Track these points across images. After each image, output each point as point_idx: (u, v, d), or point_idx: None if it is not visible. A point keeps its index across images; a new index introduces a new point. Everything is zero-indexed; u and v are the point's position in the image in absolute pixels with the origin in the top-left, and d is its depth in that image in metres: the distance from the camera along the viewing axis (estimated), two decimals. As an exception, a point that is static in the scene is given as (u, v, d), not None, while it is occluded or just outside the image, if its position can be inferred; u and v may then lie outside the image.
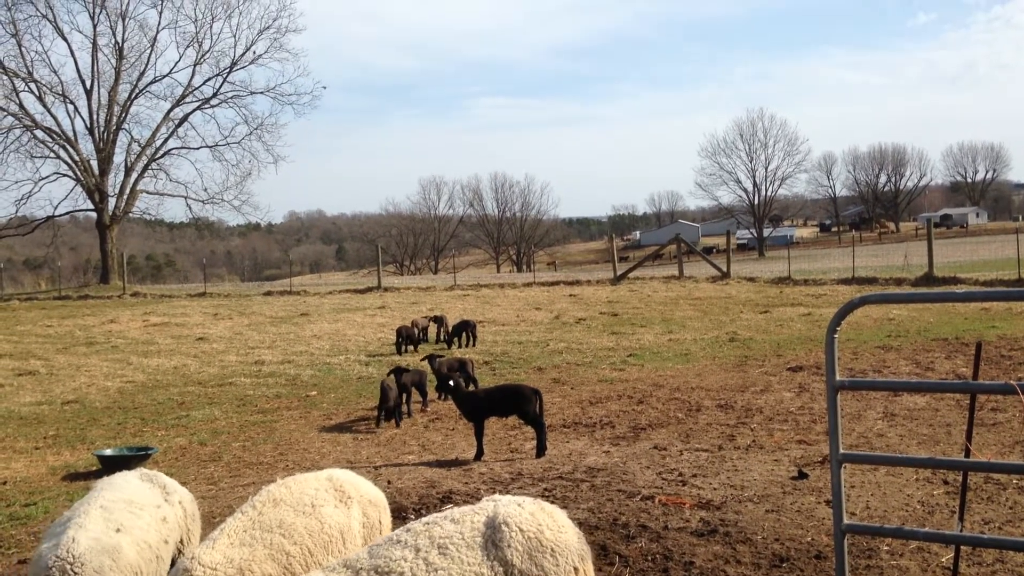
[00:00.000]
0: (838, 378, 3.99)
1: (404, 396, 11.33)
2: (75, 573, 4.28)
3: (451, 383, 9.39)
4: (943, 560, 5.64)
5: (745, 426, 9.88)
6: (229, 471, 9.16)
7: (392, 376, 11.30)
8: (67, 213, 48.30)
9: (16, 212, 46.04)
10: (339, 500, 4.86)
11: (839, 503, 3.98)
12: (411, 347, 17.87)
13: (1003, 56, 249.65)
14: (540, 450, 8.93)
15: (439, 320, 19.45)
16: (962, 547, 5.27)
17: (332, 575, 3.91)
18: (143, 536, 4.77)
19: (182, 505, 5.29)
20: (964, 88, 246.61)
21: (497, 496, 4.46)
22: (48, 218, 46.56)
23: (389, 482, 8.19)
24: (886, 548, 5.90)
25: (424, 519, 4.35)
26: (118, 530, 4.67)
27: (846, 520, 4.02)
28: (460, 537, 4.06)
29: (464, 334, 18.25)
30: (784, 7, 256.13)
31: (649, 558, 5.95)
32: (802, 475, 7.72)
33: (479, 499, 7.03)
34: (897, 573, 5.54)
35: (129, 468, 9.04)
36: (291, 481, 4.94)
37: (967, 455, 4.56)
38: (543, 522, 4.15)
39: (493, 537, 4.02)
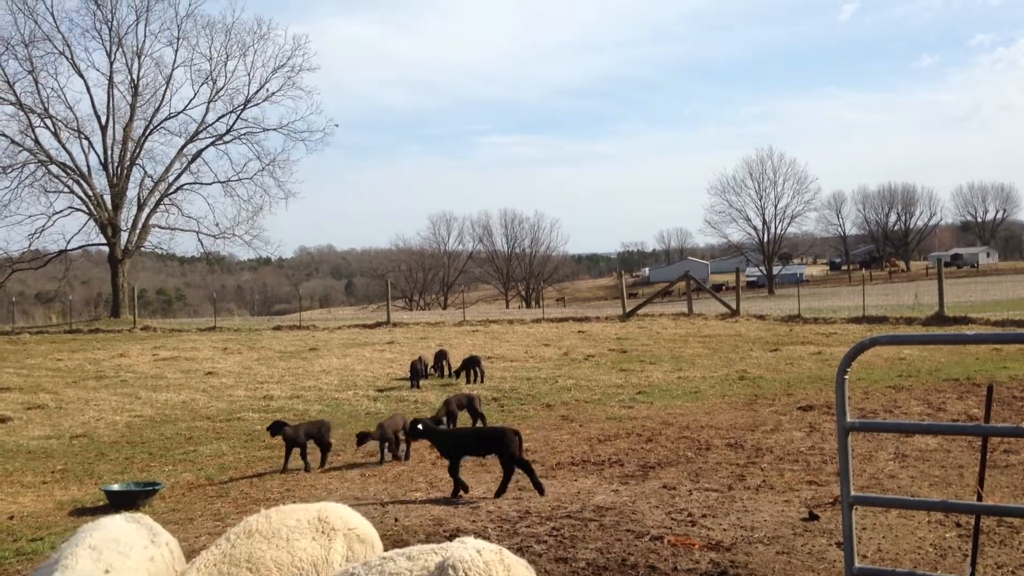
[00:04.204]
0: (849, 419, 3.97)
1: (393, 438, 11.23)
2: None
3: (420, 427, 9.40)
4: (956, 605, 5.56)
5: (755, 466, 9.81)
6: (236, 507, 9.12)
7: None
8: (80, 247, 48.65)
9: (29, 246, 46.34)
10: (320, 532, 4.78)
11: (850, 546, 3.95)
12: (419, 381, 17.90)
13: (1008, 97, 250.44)
14: (536, 488, 8.83)
15: (441, 355, 19.43)
16: (976, 592, 5.20)
17: None
18: None
19: (168, 547, 5.24)
20: (972, 129, 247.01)
21: (469, 539, 4.44)
22: (61, 252, 46.88)
23: (396, 519, 8.15)
24: (898, 592, 5.83)
25: (385, 553, 4.35)
26: (107, 572, 4.58)
27: (857, 563, 3.99)
28: (408, 575, 4.05)
29: (472, 370, 18.22)
30: (787, 49, 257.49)
31: (658, 600, 5.88)
32: (813, 516, 7.65)
33: (486, 537, 7.00)
34: (910, 618, 5.47)
35: (136, 503, 9.07)
36: (273, 512, 4.88)
37: (979, 498, 4.52)
38: (495, 574, 4.10)
39: None
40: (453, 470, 9.04)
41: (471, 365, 18.28)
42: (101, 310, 50.56)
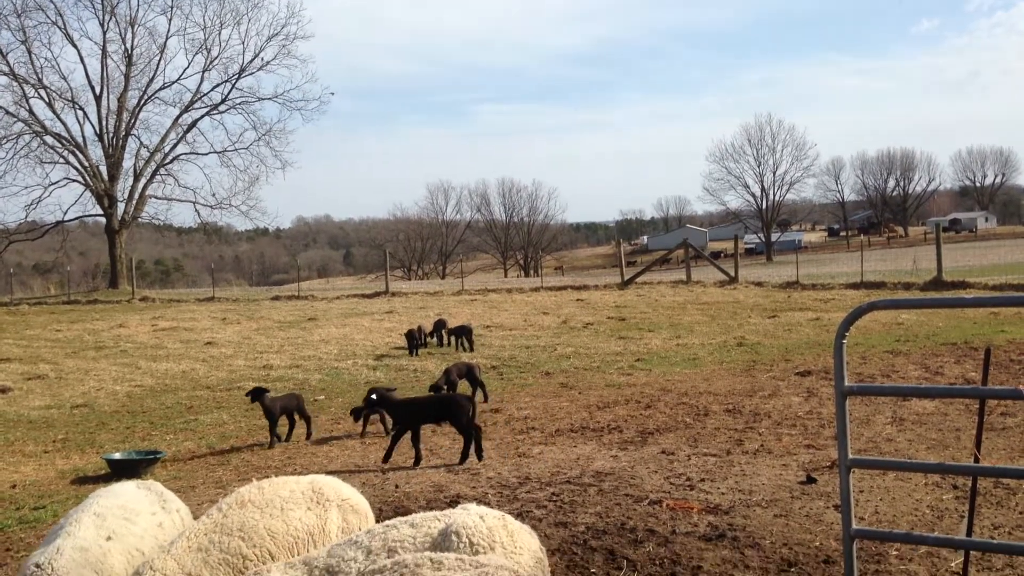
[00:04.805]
0: (847, 383, 3.98)
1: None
2: None
3: (374, 396, 9.51)
4: (952, 565, 5.62)
5: (753, 431, 9.86)
6: (238, 475, 9.17)
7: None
8: (77, 218, 48.61)
9: (26, 217, 46.34)
10: (315, 503, 4.78)
11: (848, 508, 3.98)
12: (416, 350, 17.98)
13: (1008, 62, 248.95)
14: (476, 454, 8.95)
15: (440, 324, 19.48)
16: (971, 552, 5.24)
17: (289, 569, 3.96)
18: (136, 544, 4.68)
19: (179, 514, 5.21)
20: (971, 93, 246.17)
21: (471, 505, 4.46)
22: (58, 223, 46.82)
23: (397, 486, 8.20)
24: (895, 553, 5.88)
25: (388, 521, 4.37)
26: (109, 538, 4.59)
27: (855, 525, 4.01)
28: (412, 542, 4.07)
29: (461, 339, 18.30)
30: (786, 15, 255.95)
31: (657, 562, 5.93)
32: (810, 480, 7.70)
33: (487, 503, 7.05)
34: (906, 578, 5.52)
35: (138, 471, 9.12)
36: (266, 483, 4.87)
37: (976, 460, 4.55)
38: (499, 539, 4.11)
39: (442, 545, 3.99)
40: (400, 438, 9.14)
41: (461, 334, 18.37)
42: (99, 281, 50.65)
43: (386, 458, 9.07)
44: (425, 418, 9.28)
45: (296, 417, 10.81)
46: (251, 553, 4.42)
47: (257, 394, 10.48)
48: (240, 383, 15.21)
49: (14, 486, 9.19)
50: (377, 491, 7.98)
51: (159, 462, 9.66)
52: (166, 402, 13.86)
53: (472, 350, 17.86)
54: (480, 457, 8.96)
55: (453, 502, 7.41)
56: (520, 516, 6.66)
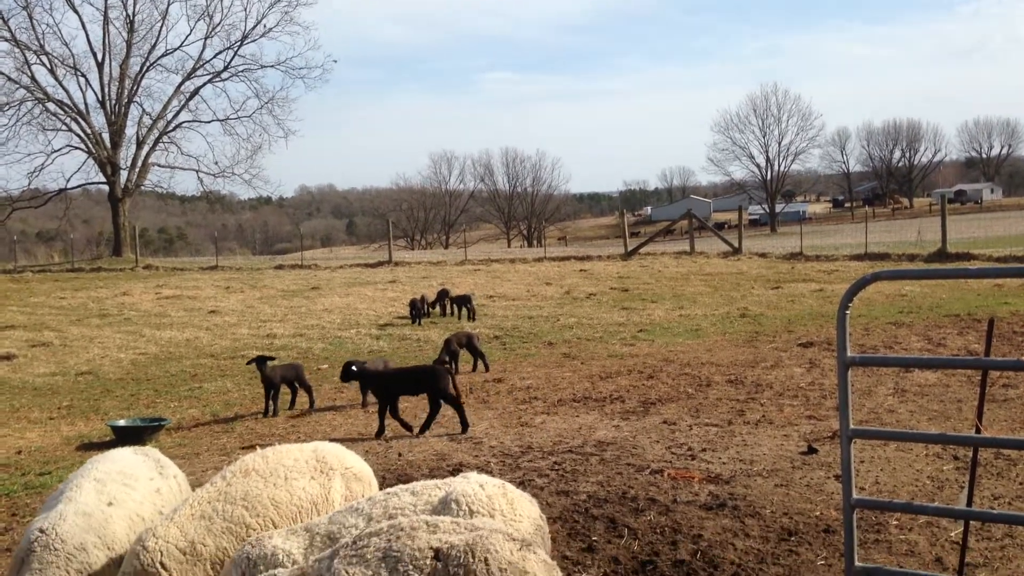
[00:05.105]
0: (849, 354, 3.98)
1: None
2: (55, 550, 4.23)
3: (354, 368, 9.51)
4: (952, 535, 5.65)
5: (755, 401, 9.89)
6: (242, 442, 9.23)
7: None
8: (79, 186, 48.59)
9: (29, 184, 46.32)
10: (318, 472, 4.78)
11: (848, 478, 3.99)
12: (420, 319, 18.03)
13: (1016, 30, 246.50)
14: (463, 426, 8.98)
15: (443, 294, 19.51)
16: (971, 522, 5.27)
17: (291, 536, 4.01)
18: (136, 509, 4.71)
19: (176, 480, 5.23)
20: (978, 62, 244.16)
21: (472, 474, 4.49)
22: (61, 191, 46.74)
23: (400, 454, 8.24)
24: (895, 523, 5.92)
25: (390, 489, 4.39)
26: (110, 503, 4.61)
27: (855, 495, 4.03)
28: (412, 509, 4.10)
29: (463, 307, 18.41)
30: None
31: (658, 531, 5.98)
32: (812, 450, 7.73)
33: (489, 472, 7.09)
34: (906, 548, 5.56)
35: (143, 438, 9.17)
36: (270, 452, 4.87)
37: (977, 431, 4.56)
38: (498, 507, 4.14)
39: (442, 512, 4.01)
40: (385, 412, 9.15)
41: (462, 303, 18.49)
42: (103, 249, 50.60)
43: (379, 433, 9.07)
44: (402, 389, 9.30)
45: (297, 387, 10.84)
46: (254, 522, 4.45)
47: (260, 362, 10.49)
48: (244, 351, 15.25)
49: (20, 452, 9.25)
50: (380, 459, 8.02)
51: (163, 429, 9.72)
52: (170, 370, 13.92)
53: (473, 319, 17.89)
54: (465, 429, 8.96)
55: (456, 471, 7.45)
56: (522, 485, 6.70)
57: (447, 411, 9.16)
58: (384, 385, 9.25)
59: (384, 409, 9.15)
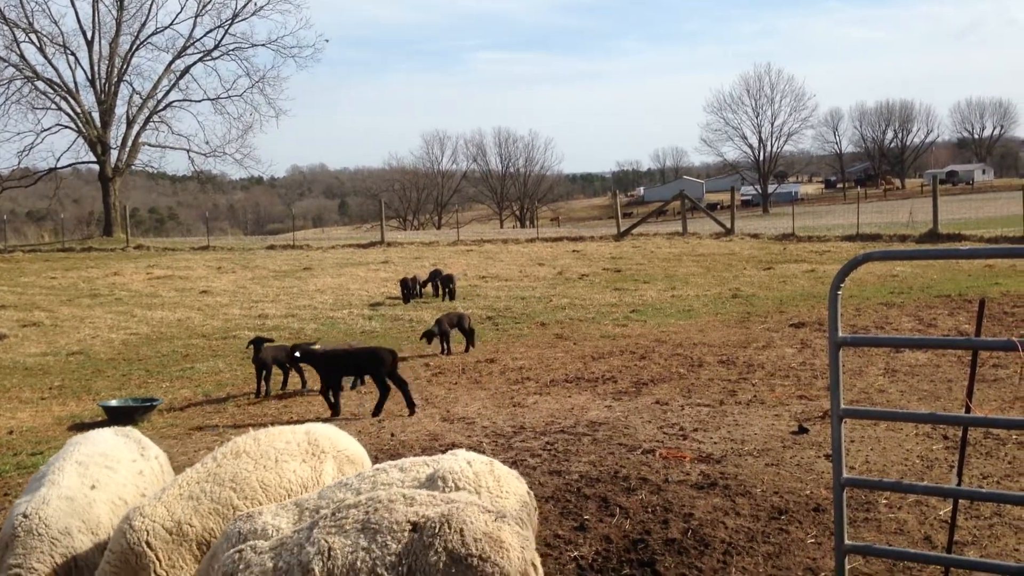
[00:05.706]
0: (840, 334, 3.98)
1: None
2: (39, 535, 4.22)
3: (297, 354, 9.60)
4: (941, 513, 5.69)
5: (746, 381, 9.92)
6: (234, 422, 9.23)
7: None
8: (69, 165, 48.20)
9: (19, 164, 45.87)
10: (309, 455, 4.76)
11: (839, 457, 4.00)
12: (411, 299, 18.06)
13: (1009, 12, 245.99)
14: (408, 407, 9.07)
15: (436, 274, 19.49)
16: (960, 501, 5.31)
17: (281, 511, 4.03)
18: (119, 492, 4.69)
19: (158, 460, 5.21)
20: (972, 44, 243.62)
21: (461, 451, 4.51)
22: (51, 170, 46.43)
23: (392, 435, 8.26)
24: (884, 502, 5.96)
25: (379, 465, 4.41)
26: (93, 487, 4.58)
27: (845, 474, 4.04)
28: (400, 485, 4.11)
29: (445, 287, 18.55)
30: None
31: (649, 510, 6.01)
32: (802, 430, 7.77)
33: (481, 452, 7.10)
34: (895, 526, 5.60)
35: (134, 418, 9.16)
36: (262, 433, 4.84)
37: (967, 411, 4.57)
38: (485, 484, 4.16)
39: (430, 489, 4.04)
40: (329, 392, 9.27)
41: (447, 283, 18.54)
42: (93, 229, 50.39)
43: (334, 414, 9.15)
44: (345, 370, 9.43)
45: (289, 367, 10.83)
46: (242, 504, 4.43)
47: (258, 344, 10.51)
48: (235, 332, 15.23)
49: (11, 432, 9.24)
50: (373, 439, 8.04)
51: (155, 409, 9.71)
52: (162, 350, 13.89)
53: (453, 299, 17.95)
54: (412, 411, 9.03)
55: (447, 451, 7.46)
56: (514, 465, 6.73)
57: (439, 391, 9.17)
58: (326, 366, 9.34)
59: (326, 390, 9.28)
